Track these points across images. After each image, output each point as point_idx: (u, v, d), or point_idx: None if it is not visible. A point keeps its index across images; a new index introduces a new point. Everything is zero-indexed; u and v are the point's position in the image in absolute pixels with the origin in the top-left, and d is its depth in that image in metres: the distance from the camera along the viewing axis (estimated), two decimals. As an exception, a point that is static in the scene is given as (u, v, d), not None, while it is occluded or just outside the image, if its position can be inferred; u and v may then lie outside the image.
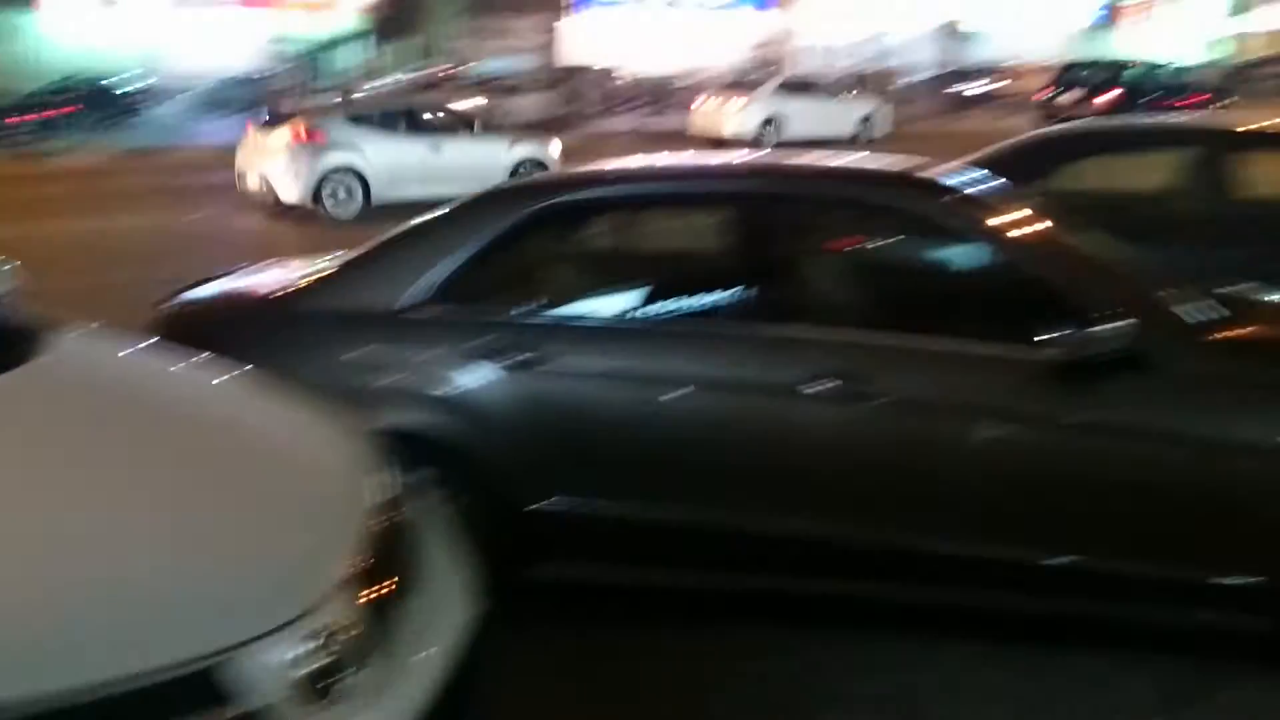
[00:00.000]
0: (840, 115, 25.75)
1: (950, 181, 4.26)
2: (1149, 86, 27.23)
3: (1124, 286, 3.93)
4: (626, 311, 4.29)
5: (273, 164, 15.21)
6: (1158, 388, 3.64)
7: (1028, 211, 4.21)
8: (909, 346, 3.90)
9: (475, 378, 4.05)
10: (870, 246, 4.78)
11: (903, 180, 4.38)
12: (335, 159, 15.04)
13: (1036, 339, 3.63)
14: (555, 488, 4.06)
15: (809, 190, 4.39)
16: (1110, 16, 56.82)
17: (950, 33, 35.17)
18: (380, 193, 15.05)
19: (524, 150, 16.44)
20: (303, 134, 15.14)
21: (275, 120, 16.06)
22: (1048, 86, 29.07)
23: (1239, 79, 37.39)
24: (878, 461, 3.83)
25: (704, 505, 3.98)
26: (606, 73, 36.13)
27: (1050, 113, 25.82)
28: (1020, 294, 3.87)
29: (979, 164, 6.60)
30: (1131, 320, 3.57)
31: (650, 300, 4.30)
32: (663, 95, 34.34)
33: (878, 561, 3.91)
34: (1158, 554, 3.67)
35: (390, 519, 2.54)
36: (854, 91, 28.25)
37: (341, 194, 15.15)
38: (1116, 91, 26.52)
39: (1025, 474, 3.73)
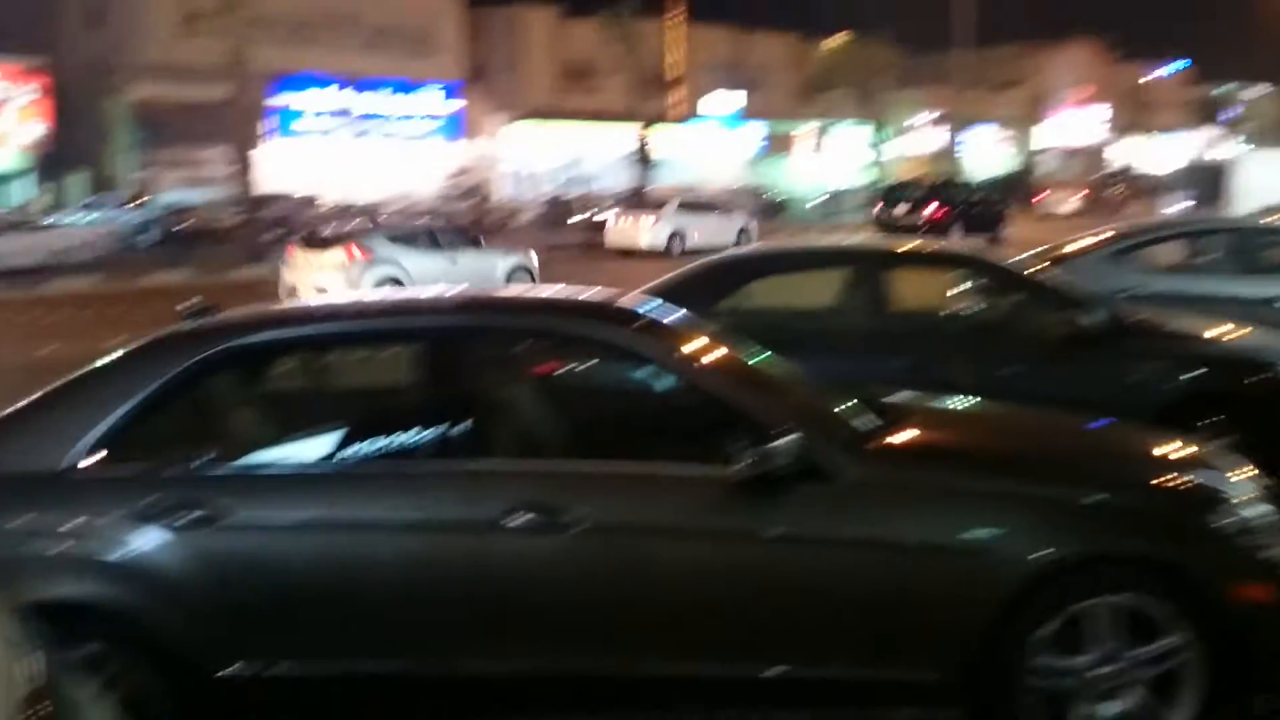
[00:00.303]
0: (726, 227, 29.78)
1: (638, 310, 4.42)
2: (956, 199, 34.03)
3: (796, 402, 4.17)
4: (315, 457, 4.11)
5: (328, 277, 17.33)
6: (832, 497, 3.84)
7: (708, 335, 4.42)
8: (603, 472, 3.96)
9: (146, 540, 3.75)
10: (565, 376, 4.86)
11: (593, 311, 4.50)
12: (383, 271, 17.64)
13: (724, 458, 3.77)
14: (242, 653, 3.80)
15: (502, 323, 4.43)
16: (769, 148, 62.82)
17: (641, 159, 37.22)
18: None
19: (514, 259, 20.04)
20: (356, 253, 17.70)
21: (318, 242, 18.72)
22: (879, 202, 35.52)
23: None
24: (585, 589, 3.83)
25: (412, 654, 3.83)
26: (308, 200, 35.69)
27: (885, 224, 32.58)
28: (705, 414, 4.02)
29: (666, 289, 6.96)
30: (798, 435, 3.75)
31: (341, 443, 4.15)
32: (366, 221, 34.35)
33: (601, 691, 3.88)
34: (853, 657, 3.83)
35: (38, 712, 2.28)
36: (733, 210, 33.16)
37: None
38: (935, 204, 32.78)
39: (725, 589, 3.82)
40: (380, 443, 4.11)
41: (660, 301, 4.84)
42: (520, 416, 4.34)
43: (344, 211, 34.35)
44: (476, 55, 53.69)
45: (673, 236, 28.27)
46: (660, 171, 48.18)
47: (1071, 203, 44.12)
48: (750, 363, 4.43)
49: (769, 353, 4.62)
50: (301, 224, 32.16)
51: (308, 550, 3.83)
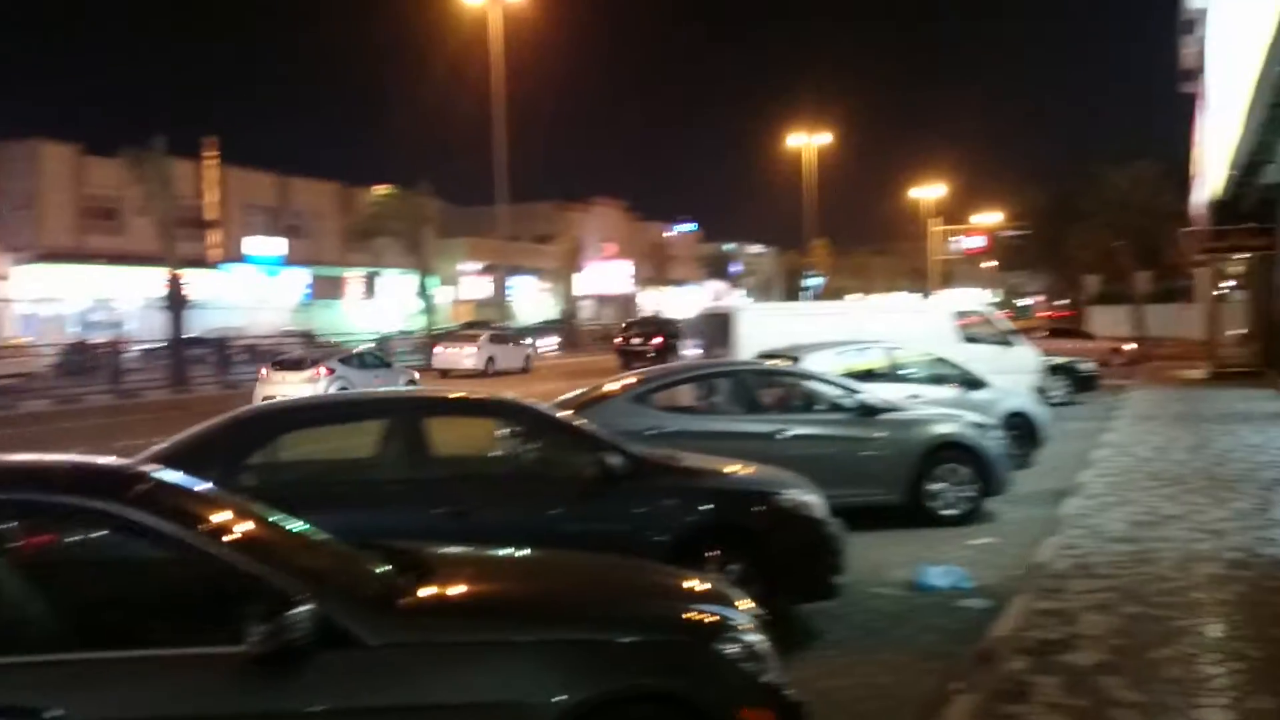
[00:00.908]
0: (517, 353, 39.92)
1: (135, 477, 4.04)
2: (683, 333, 40.21)
3: (316, 565, 3.99)
4: None
5: (301, 390, 23.20)
6: (360, 664, 3.69)
7: (218, 500, 4.16)
8: (95, 663, 3.54)
9: None
10: (52, 554, 4.33)
11: (82, 480, 4.07)
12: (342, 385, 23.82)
13: (239, 633, 3.51)
14: None
15: None
16: (317, 292, 62.59)
17: (174, 303, 35.13)
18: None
19: (408, 377, 27.94)
20: (323, 372, 24.76)
21: (286, 365, 26.04)
22: (624, 334, 42.92)
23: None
24: None
25: None
26: None
27: (625, 352, 39.45)
28: (216, 587, 3.75)
29: (187, 447, 6.49)
30: (311, 606, 3.60)
31: None
32: None
33: None
34: None
35: None
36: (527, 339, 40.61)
37: None
38: (660, 338, 39.44)
39: None
40: None
41: (160, 467, 4.44)
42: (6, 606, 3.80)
43: None
44: (-15, 192, 48.74)
45: (489, 360, 37.37)
46: (199, 315, 45.80)
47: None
48: (265, 527, 4.20)
49: (286, 514, 4.40)
50: None
51: None
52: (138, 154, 35.04)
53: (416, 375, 29.90)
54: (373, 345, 37.07)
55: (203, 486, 4.32)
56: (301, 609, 3.56)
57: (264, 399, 21.46)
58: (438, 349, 39.11)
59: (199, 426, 6.95)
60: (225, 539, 3.93)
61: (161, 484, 4.11)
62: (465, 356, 37.37)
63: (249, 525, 4.11)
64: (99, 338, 42.00)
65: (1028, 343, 20.40)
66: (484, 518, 6.44)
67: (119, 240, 53.19)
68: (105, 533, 4.08)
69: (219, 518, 4.03)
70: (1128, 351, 36.32)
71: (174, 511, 3.91)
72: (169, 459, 5.94)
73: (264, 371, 25.78)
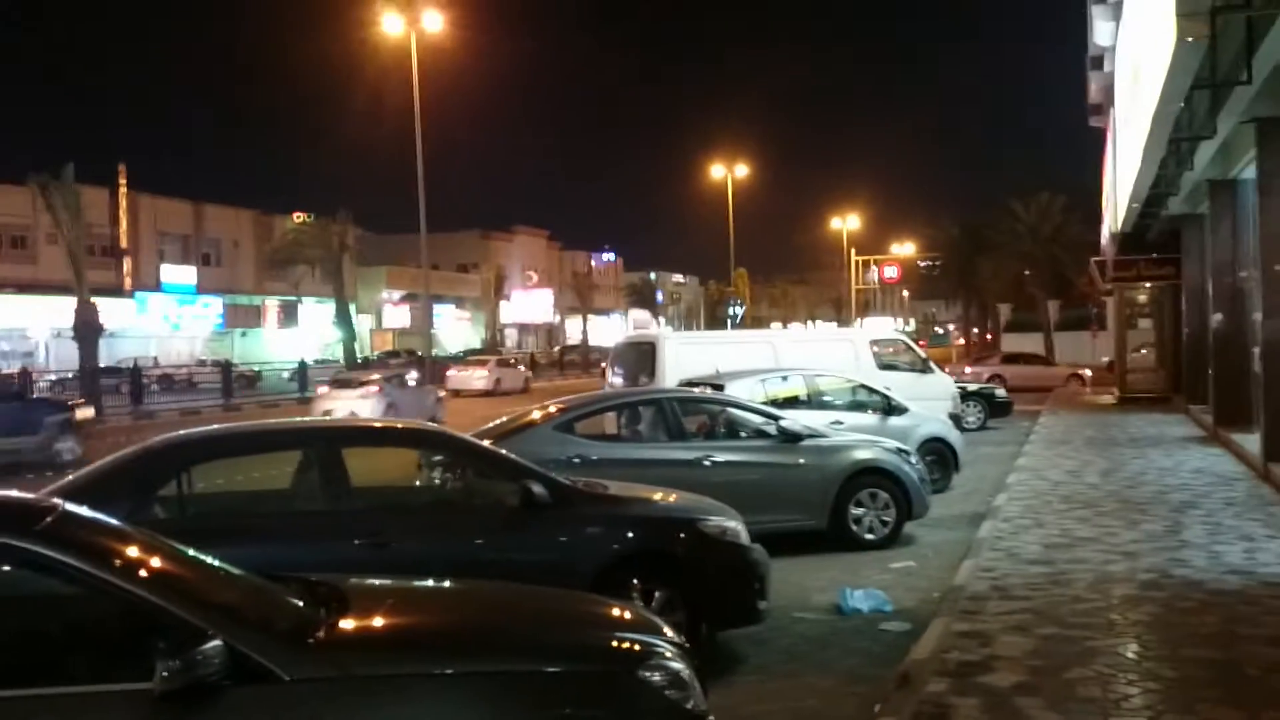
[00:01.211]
0: (518, 376, 46.44)
1: (39, 510, 3.90)
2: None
3: (227, 599, 3.88)
4: None
5: (359, 405, 27.00)
6: (273, 700, 3.58)
7: (126, 535, 4.02)
8: (12, 700, 3.41)
9: None
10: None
11: None
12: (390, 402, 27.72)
13: (152, 669, 3.40)
14: None
15: None
16: (232, 321, 61.78)
17: (85, 332, 34.24)
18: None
19: (435, 396, 31.55)
20: (377, 389, 28.37)
21: (340, 384, 29.98)
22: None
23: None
24: None
25: None
26: None
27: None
28: (126, 623, 3.63)
29: (95, 480, 6.30)
30: (222, 641, 3.50)
31: None
32: None
33: None
34: None
35: None
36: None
37: None
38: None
39: None
40: None
41: (61, 502, 4.26)
42: None
43: None
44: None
45: (497, 380, 43.43)
46: (112, 344, 44.73)
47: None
48: (176, 561, 4.06)
49: (202, 548, 4.27)
50: None
51: None
52: (47, 182, 34.13)
53: (441, 394, 32.96)
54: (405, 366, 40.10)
55: (112, 520, 4.18)
56: (213, 644, 3.45)
57: (323, 413, 25.55)
58: (451, 371, 44.49)
59: (109, 458, 6.76)
60: (135, 573, 3.79)
61: (69, 517, 3.97)
62: (476, 378, 43.33)
63: (159, 559, 3.97)
64: (9, 368, 40.72)
65: (942, 370, 20.79)
66: (405, 548, 6.33)
67: (29, 269, 51.82)
68: (9, 568, 3.92)
69: (128, 552, 3.90)
70: (1087, 376, 37.44)
71: (82, 546, 3.77)
72: (78, 491, 5.76)
73: (323, 389, 30.00)
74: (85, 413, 22.61)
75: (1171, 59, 9.74)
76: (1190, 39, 9.13)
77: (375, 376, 31.00)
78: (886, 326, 74.53)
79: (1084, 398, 31.74)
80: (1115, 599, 8.03)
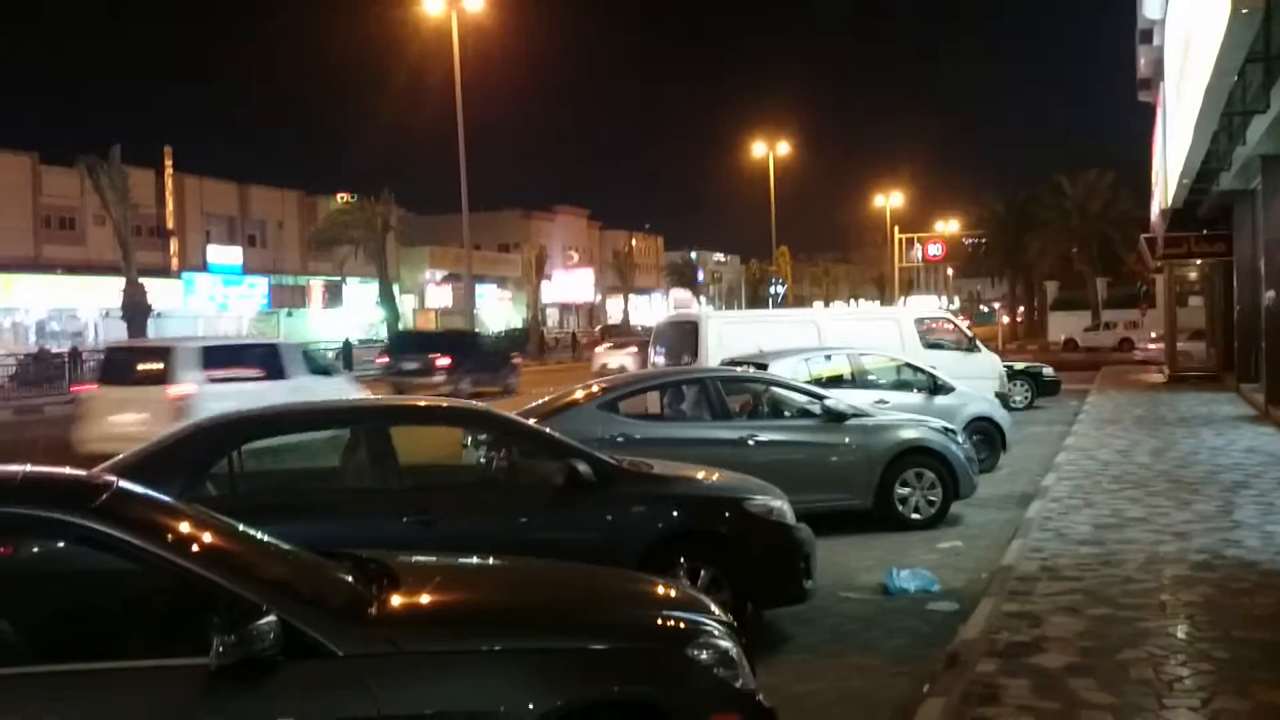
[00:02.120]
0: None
1: (96, 488, 3.94)
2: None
3: (282, 575, 3.91)
4: None
5: (626, 361, 32.27)
6: (329, 675, 3.62)
7: (180, 513, 4.06)
8: (70, 674, 3.47)
9: None
10: (10, 567, 4.23)
11: (41, 491, 3.95)
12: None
13: (205, 644, 3.44)
14: None
15: None
16: (279, 301, 62.34)
17: (135, 311, 34.72)
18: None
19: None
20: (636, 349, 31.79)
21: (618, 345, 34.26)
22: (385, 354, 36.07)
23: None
24: None
25: None
26: None
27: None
28: (181, 599, 3.68)
29: (149, 458, 6.39)
30: (277, 617, 3.53)
31: None
32: None
33: None
34: None
35: None
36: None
37: None
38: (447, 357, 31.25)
39: None
40: None
41: (117, 480, 4.31)
42: None
43: None
44: (-63, 201, 48.00)
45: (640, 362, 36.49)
46: (159, 324, 45.37)
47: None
48: (230, 537, 4.11)
49: (253, 525, 4.32)
50: None
51: None
52: (94, 163, 34.56)
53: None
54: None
55: (166, 497, 4.23)
56: (267, 619, 3.49)
57: (602, 366, 31.01)
58: (597, 349, 43.42)
59: (161, 436, 6.84)
60: (189, 550, 3.84)
61: (124, 494, 4.02)
62: (625, 356, 41.76)
63: (213, 536, 4.03)
64: (59, 347, 41.41)
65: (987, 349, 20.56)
66: (451, 526, 6.37)
67: (78, 250, 52.52)
68: (68, 544, 3.99)
69: (183, 528, 3.95)
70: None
71: (137, 522, 3.82)
72: (131, 469, 5.84)
73: (599, 348, 35.08)
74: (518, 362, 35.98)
75: (1225, 31, 9.54)
76: (1245, 10, 8.93)
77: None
78: (931, 305, 73.89)
79: (1133, 377, 31.32)
80: (1167, 580, 7.93)
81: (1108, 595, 7.51)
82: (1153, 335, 40.24)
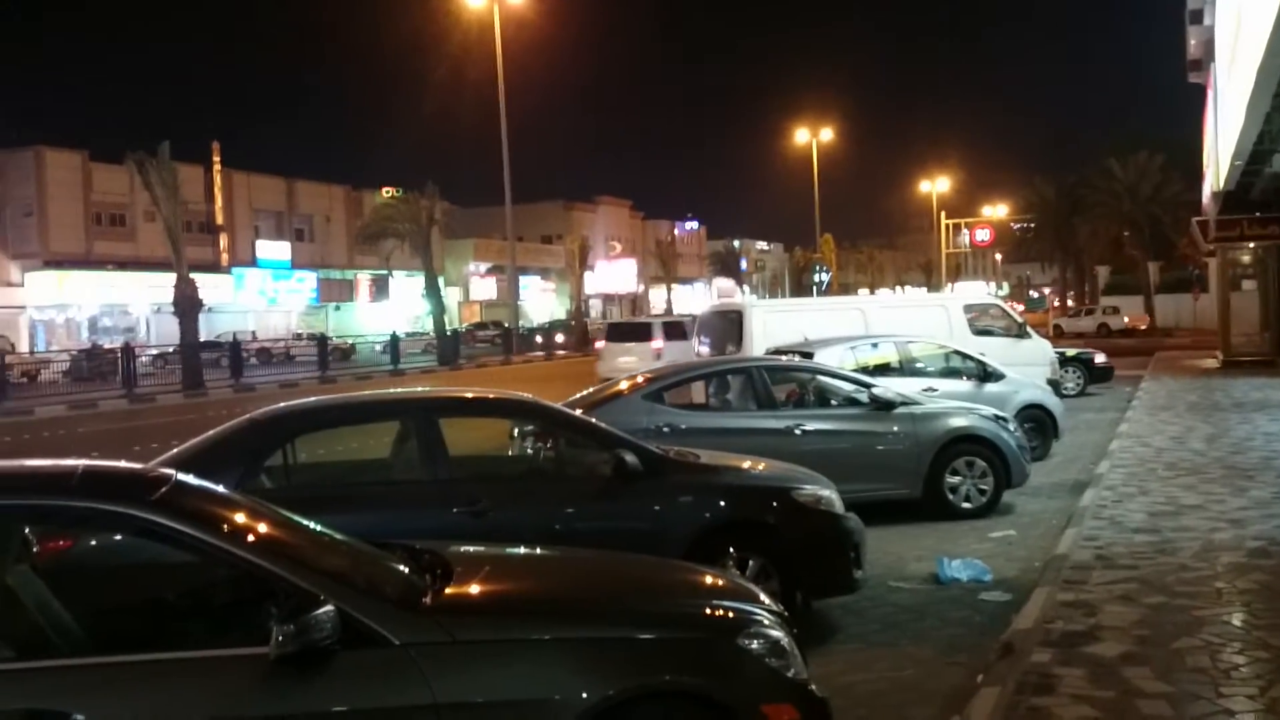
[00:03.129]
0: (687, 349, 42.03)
1: (153, 481, 4.02)
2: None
3: (337, 566, 3.96)
4: None
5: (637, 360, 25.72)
6: (384, 663, 3.66)
7: (237, 504, 4.13)
8: (131, 665, 3.53)
9: None
10: (74, 559, 4.31)
11: (102, 484, 4.03)
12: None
13: (263, 634, 3.50)
14: None
15: None
16: (326, 294, 62.92)
17: (186, 307, 35.18)
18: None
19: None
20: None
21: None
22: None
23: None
24: None
25: None
26: None
27: None
28: (239, 590, 3.73)
29: (202, 451, 6.48)
30: (329, 607, 3.57)
31: None
32: None
33: None
34: None
35: None
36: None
37: None
38: None
39: None
40: None
41: (174, 473, 4.38)
42: (18, 610, 3.78)
43: None
44: (-10, 201, 49.01)
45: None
46: (210, 318, 46.01)
47: None
48: (286, 528, 4.17)
49: (307, 516, 4.37)
50: None
51: None
52: (144, 160, 35.04)
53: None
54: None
55: (223, 490, 4.30)
56: (325, 609, 3.54)
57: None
58: (600, 345, 45.61)
59: (216, 429, 6.94)
60: (247, 541, 3.90)
61: (183, 486, 4.09)
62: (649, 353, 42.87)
63: (270, 527, 4.08)
64: (111, 343, 42.12)
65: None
66: (501, 517, 6.41)
67: (128, 246, 53.36)
68: (127, 537, 4.06)
69: (239, 520, 4.01)
70: None
71: (195, 515, 3.88)
72: (187, 462, 5.93)
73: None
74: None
75: (1279, 8, 9.34)
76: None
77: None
78: (979, 290, 73.12)
79: (1186, 362, 30.83)
80: (1223, 567, 7.82)
81: (1163, 583, 7.41)
82: (1125, 320, 43.76)
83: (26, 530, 4.07)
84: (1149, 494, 10.76)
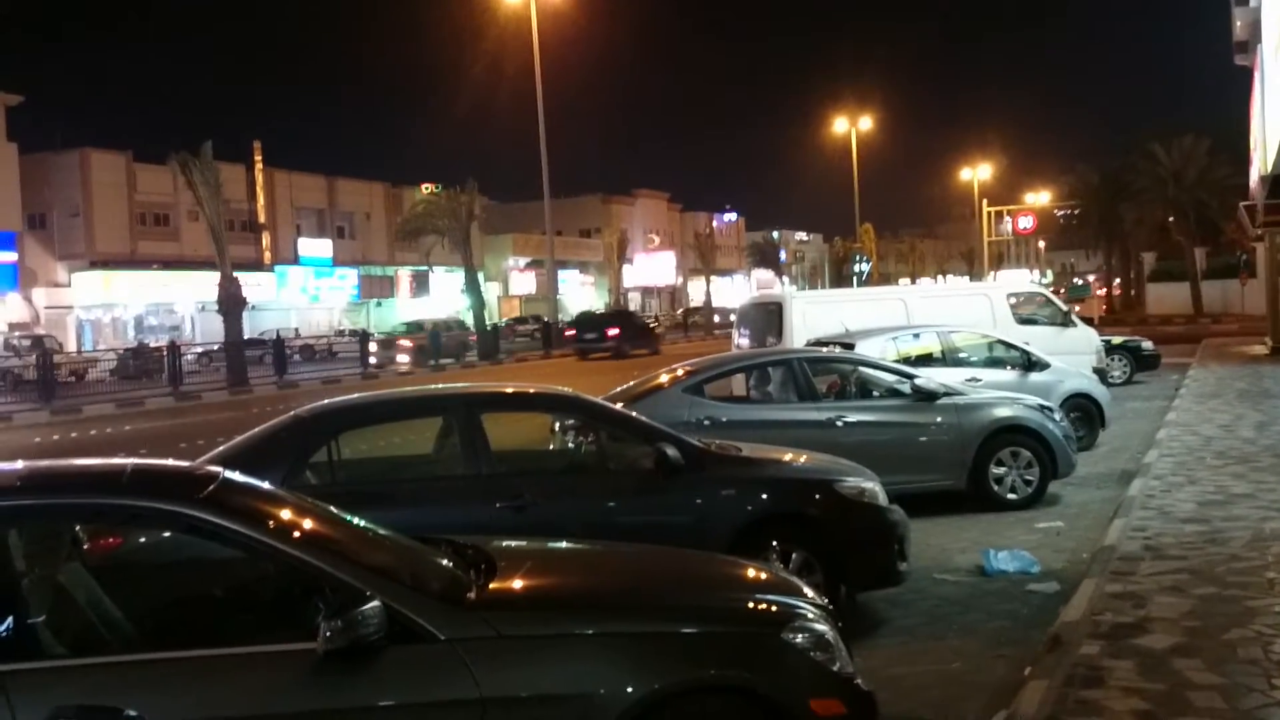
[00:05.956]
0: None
1: (202, 479, 4.06)
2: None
3: (383, 562, 3.99)
4: None
5: None
6: (430, 658, 3.68)
7: (283, 501, 4.16)
8: (169, 662, 3.57)
9: None
10: (124, 557, 4.37)
11: (151, 483, 4.08)
12: None
13: (311, 630, 3.53)
14: None
15: (43, 502, 3.89)
16: (368, 291, 63.47)
17: (230, 305, 35.56)
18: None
19: None
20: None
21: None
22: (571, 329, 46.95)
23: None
24: None
25: None
26: None
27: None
28: (286, 586, 3.77)
29: (247, 449, 6.54)
30: (376, 603, 3.60)
31: None
32: None
33: None
34: None
35: None
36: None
37: None
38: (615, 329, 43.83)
39: None
40: None
41: (222, 470, 4.42)
42: (70, 607, 3.84)
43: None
44: (39, 202, 49.72)
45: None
46: (254, 316, 46.52)
47: None
48: (332, 524, 4.20)
49: (352, 512, 4.41)
50: None
51: None
52: (186, 160, 35.43)
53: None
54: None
55: (268, 488, 4.34)
56: (372, 605, 3.56)
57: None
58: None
59: (261, 427, 7.00)
60: (293, 537, 3.93)
61: (229, 484, 4.13)
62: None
63: (317, 523, 4.12)
64: (157, 341, 42.67)
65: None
66: (544, 511, 6.42)
67: (172, 245, 54.03)
68: (176, 534, 4.11)
69: (286, 516, 4.05)
70: None
71: (242, 512, 3.92)
72: (233, 459, 5.99)
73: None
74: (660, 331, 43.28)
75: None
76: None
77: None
78: (1022, 279, 72.31)
79: (1234, 349, 30.34)
80: (1274, 557, 7.68)
81: (1213, 574, 7.30)
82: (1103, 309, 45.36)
83: (77, 528, 4.13)
84: (1198, 483, 10.60)
